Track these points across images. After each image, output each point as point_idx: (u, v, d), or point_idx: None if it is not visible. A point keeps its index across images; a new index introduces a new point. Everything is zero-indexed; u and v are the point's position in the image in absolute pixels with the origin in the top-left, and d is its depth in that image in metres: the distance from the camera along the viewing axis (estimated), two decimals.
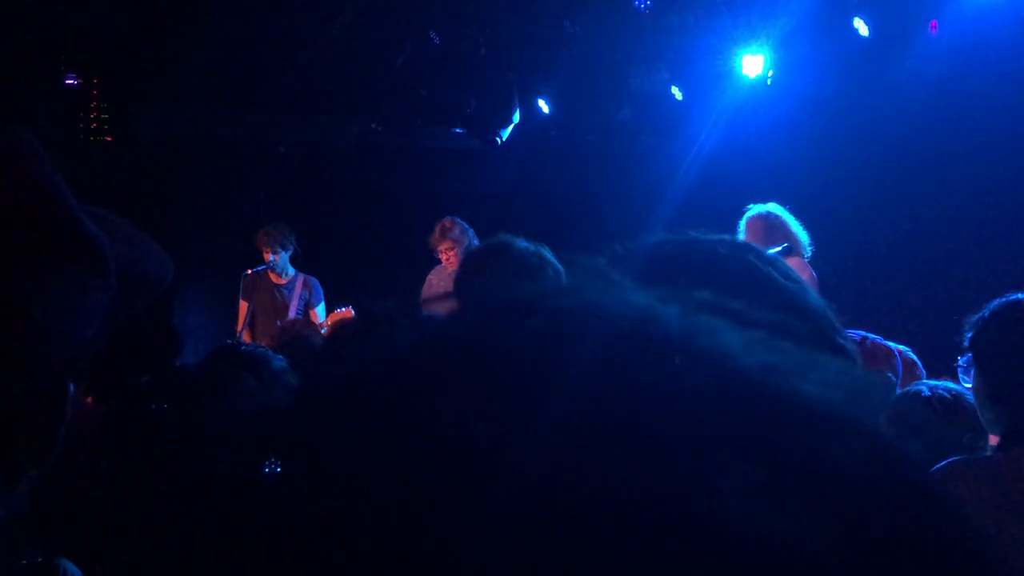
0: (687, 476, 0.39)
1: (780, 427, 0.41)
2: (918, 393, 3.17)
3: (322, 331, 6.99)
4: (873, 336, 3.95)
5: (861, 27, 8.39)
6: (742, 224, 6.64)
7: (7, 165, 0.85)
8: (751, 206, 6.65)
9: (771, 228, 6.50)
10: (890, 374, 3.74)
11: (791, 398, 0.43)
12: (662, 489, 0.38)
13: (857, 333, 3.94)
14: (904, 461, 0.44)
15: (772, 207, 6.61)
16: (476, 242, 7.39)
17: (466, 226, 7.59)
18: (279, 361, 2.79)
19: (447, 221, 7.60)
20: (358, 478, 0.40)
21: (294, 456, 0.43)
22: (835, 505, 0.40)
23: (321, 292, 8.36)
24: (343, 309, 7.83)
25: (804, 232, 6.57)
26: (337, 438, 0.42)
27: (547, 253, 2.92)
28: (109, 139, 9.73)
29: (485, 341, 0.44)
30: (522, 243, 2.94)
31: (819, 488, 0.40)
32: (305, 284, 8.31)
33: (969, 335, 2.67)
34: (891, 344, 4.03)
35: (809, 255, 6.56)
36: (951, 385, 3.18)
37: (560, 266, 2.88)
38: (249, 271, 8.27)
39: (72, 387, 0.87)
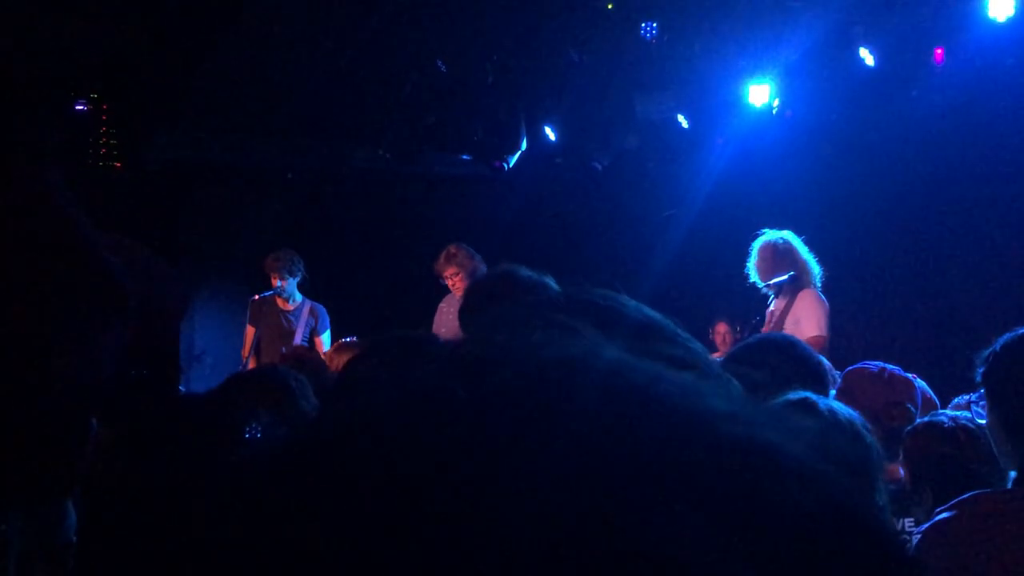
0: (636, 517, 0.41)
1: (732, 471, 0.43)
2: (939, 424, 3.14)
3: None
4: (892, 367, 3.92)
5: (867, 57, 8.41)
6: (754, 248, 6.65)
7: (34, 205, 0.85)
8: (765, 231, 6.65)
9: (781, 255, 6.50)
10: (910, 405, 3.71)
11: (746, 444, 0.45)
12: (612, 529, 0.41)
13: (875, 364, 3.91)
14: (856, 512, 0.46)
15: (786, 234, 6.61)
16: (483, 267, 7.39)
17: (472, 252, 7.59)
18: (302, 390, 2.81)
19: (452, 247, 7.60)
20: (353, 525, 0.43)
21: (294, 505, 0.45)
22: (778, 551, 0.42)
23: (327, 320, 8.35)
24: (348, 340, 7.79)
25: (816, 262, 6.56)
26: (331, 486, 0.45)
27: (551, 282, 2.93)
28: (118, 165, 9.78)
29: (467, 396, 0.47)
30: (525, 272, 2.95)
31: (763, 532, 0.42)
32: (312, 311, 8.30)
33: (981, 370, 2.65)
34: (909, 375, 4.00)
35: (820, 285, 6.55)
36: (971, 416, 3.15)
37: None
38: (256, 296, 8.28)
39: (95, 422, 0.88)
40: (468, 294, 3.22)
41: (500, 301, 2.82)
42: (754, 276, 6.61)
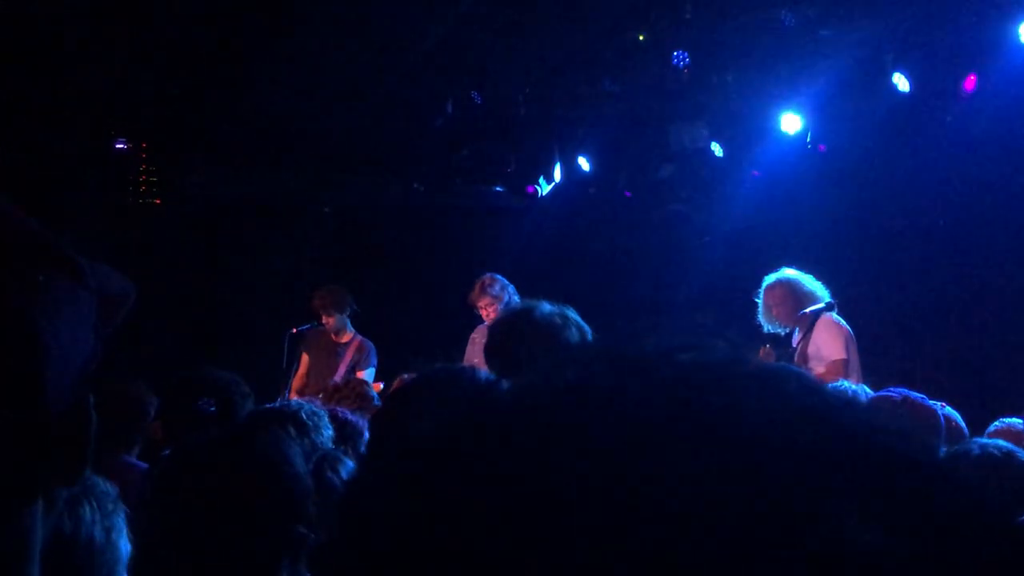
0: (809, 510, 0.43)
1: (890, 474, 0.46)
2: (968, 452, 3.13)
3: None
4: (916, 395, 3.92)
5: (901, 83, 8.37)
6: (761, 295, 6.62)
7: None
8: (766, 278, 6.64)
9: (795, 290, 6.49)
10: (932, 435, 3.69)
11: (892, 450, 0.48)
12: (788, 522, 0.43)
13: (899, 392, 3.91)
14: (995, 509, 0.49)
15: (786, 272, 6.60)
16: (516, 298, 7.42)
17: (506, 283, 7.63)
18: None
19: (487, 278, 7.65)
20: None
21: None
22: (948, 541, 0.45)
23: (374, 357, 8.29)
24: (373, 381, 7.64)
25: (823, 288, 6.54)
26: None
27: (571, 313, 3.01)
28: (158, 202, 9.93)
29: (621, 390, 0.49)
30: (546, 306, 3.03)
31: (932, 526, 0.45)
32: (359, 348, 8.31)
33: None
34: (933, 403, 3.99)
35: (836, 310, 6.52)
36: (1002, 443, 3.13)
37: (585, 325, 2.97)
38: (295, 329, 8.34)
39: (92, 398, 0.87)
40: (492, 331, 3.31)
41: (521, 340, 2.91)
42: (776, 325, 6.57)
